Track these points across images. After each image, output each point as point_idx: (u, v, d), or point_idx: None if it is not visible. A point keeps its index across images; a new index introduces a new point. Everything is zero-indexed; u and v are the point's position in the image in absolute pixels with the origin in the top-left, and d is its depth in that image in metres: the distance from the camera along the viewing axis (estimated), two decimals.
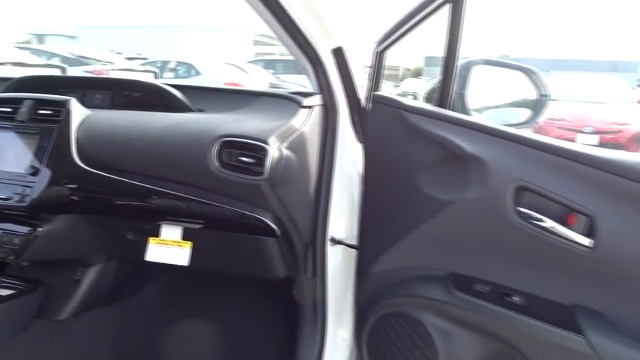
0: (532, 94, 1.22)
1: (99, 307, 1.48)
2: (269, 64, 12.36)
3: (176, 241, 1.18)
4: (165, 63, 10.52)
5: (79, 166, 1.11)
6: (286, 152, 1.06)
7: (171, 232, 1.19)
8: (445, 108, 1.12)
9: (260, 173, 1.02)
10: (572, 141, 7.15)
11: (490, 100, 1.36)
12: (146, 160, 1.13)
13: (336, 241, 1.21)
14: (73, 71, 7.59)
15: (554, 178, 0.89)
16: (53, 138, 1.13)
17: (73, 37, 24.23)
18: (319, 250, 1.20)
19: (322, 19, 1.07)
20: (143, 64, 10.45)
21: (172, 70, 10.26)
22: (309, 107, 1.16)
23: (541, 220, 0.90)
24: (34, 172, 1.11)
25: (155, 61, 10.84)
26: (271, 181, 1.04)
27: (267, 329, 1.53)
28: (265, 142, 1.02)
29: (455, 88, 1.14)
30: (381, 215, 1.15)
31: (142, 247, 1.20)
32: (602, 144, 7.48)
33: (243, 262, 1.25)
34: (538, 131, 7.75)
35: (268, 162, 1.02)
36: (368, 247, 1.18)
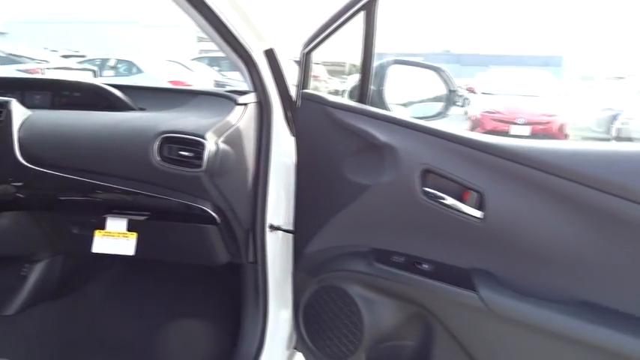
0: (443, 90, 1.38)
1: (46, 302, 1.51)
2: (214, 62, 12.08)
3: (121, 233, 1.25)
4: (104, 61, 10.16)
5: (22, 164, 1.15)
6: (223, 146, 1.16)
7: (116, 224, 1.26)
8: (364, 103, 1.25)
9: (199, 166, 1.12)
10: (506, 132, 7.50)
11: (414, 96, 1.51)
12: (90, 157, 1.18)
13: (274, 227, 1.31)
14: (5, 70, 7.23)
15: (453, 162, 1.05)
16: None
17: (2, 34, 22.80)
18: (259, 236, 1.29)
19: (251, 21, 1.16)
20: (81, 62, 10.07)
21: (112, 68, 9.93)
22: (244, 104, 1.26)
23: (443, 198, 1.05)
24: None
25: (94, 59, 10.46)
26: (209, 172, 1.14)
27: (213, 314, 1.60)
28: (203, 137, 1.12)
29: (373, 85, 1.27)
30: (312, 201, 1.27)
31: (89, 241, 1.26)
32: (534, 134, 8.01)
33: (187, 250, 1.33)
34: (475, 123, 8.21)
35: (206, 155, 1.12)
36: (302, 230, 1.29)
